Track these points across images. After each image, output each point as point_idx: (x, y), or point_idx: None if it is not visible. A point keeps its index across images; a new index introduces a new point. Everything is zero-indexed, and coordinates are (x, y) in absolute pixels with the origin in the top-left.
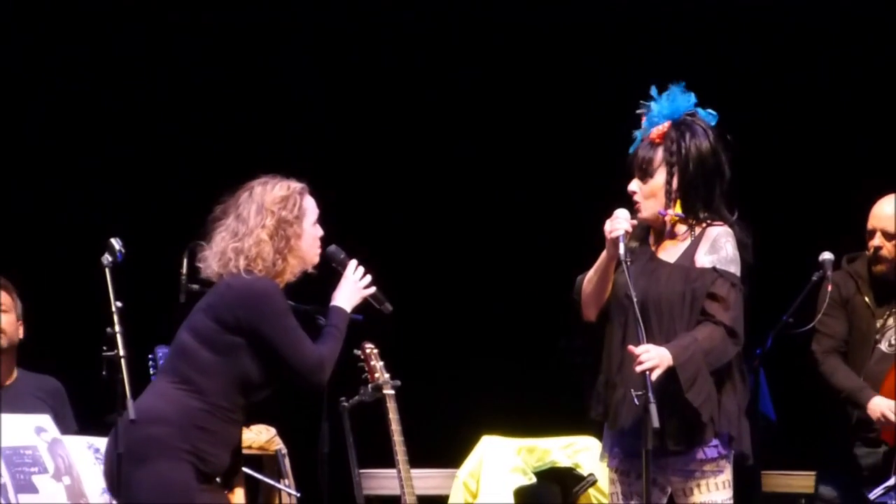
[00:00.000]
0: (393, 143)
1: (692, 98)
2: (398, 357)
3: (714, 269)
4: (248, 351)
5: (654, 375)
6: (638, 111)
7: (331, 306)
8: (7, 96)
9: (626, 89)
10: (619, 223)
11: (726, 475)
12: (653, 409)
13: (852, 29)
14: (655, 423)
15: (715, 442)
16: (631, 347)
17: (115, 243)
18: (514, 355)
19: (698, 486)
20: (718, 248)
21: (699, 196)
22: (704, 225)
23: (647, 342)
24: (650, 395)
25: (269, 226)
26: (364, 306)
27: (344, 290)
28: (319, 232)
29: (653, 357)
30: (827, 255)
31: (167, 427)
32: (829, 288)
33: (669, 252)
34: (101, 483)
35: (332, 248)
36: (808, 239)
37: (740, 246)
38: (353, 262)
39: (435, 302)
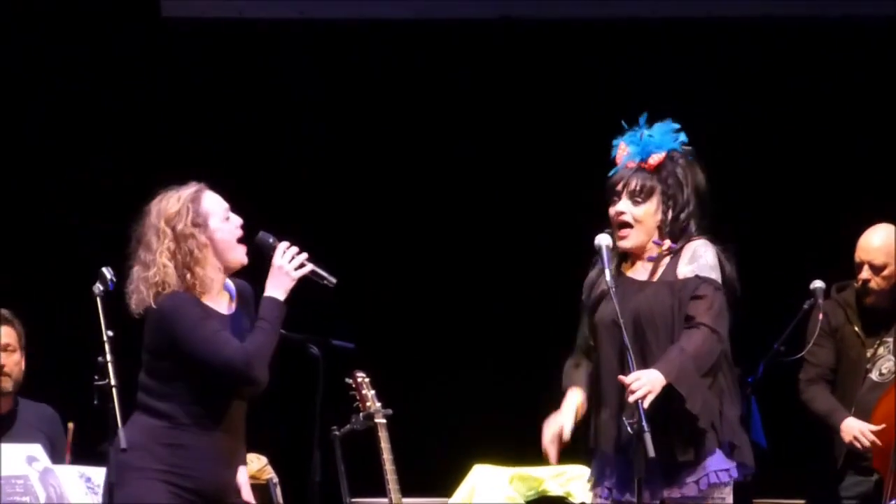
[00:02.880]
0: (393, 145)
1: (682, 136)
2: (389, 386)
3: (697, 276)
4: (182, 369)
5: (647, 402)
6: (620, 139)
7: (262, 297)
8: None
9: (626, 89)
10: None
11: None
12: (647, 437)
13: (844, 47)
14: (651, 452)
15: (722, 460)
16: (621, 378)
17: (107, 272)
18: (506, 384)
19: None
20: (698, 256)
21: (689, 227)
22: (683, 243)
23: (648, 361)
24: (644, 423)
25: (168, 248)
26: (311, 284)
27: (273, 277)
28: (235, 223)
29: (644, 384)
30: (818, 284)
31: (138, 450)
32: (821, 316)
33: (649, 271)
34: None
35: (261, 235)
36: (800, 267)
37: (721, 257)
38: (282, 245)
39: (426, 330)
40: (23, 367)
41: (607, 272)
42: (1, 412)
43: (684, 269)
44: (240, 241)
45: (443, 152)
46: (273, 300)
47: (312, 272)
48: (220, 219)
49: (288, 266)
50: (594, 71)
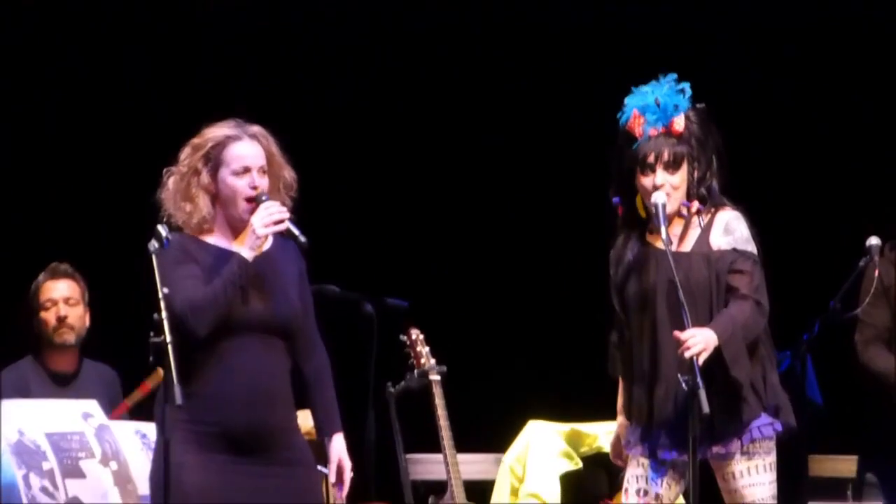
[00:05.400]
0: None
1: (688, 91)
2: (444, 343)
3: (734, 249)
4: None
5: (702, 359)
6: (631, 106)
7: None
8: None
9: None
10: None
11: (773, 457)
12: (702, 394)
13: None
14: (705, 408)
15: (765, 419)
16: (676, 333)
17: (162, 230)
18: (561, 340)
19: (748, 469)
20: (732, 229)
21: (713, 186)
22: (712, 211)
23: (682, 330)
24: (699, 380)
25: (179, 171)
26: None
27: (246, 234)
28: (247, 182)
29: (699, 341)
30: (874, 241)
31: (168, 403)
32: (877, 273)
33: (678, 240)
34: (147, 468)
35: (261, 195)
36: (856, 224)
37: (751, 229)
38: (265, 204)
39: (480, 287)
40: (86, 322)
41: (663, 230)
42: (65, 369)
43: (719, 241)
44: (249, 200)
45: (471, 141)
46: (236, 257)
47: (287, 230)
48: (232, 172)
49: (256, 223)
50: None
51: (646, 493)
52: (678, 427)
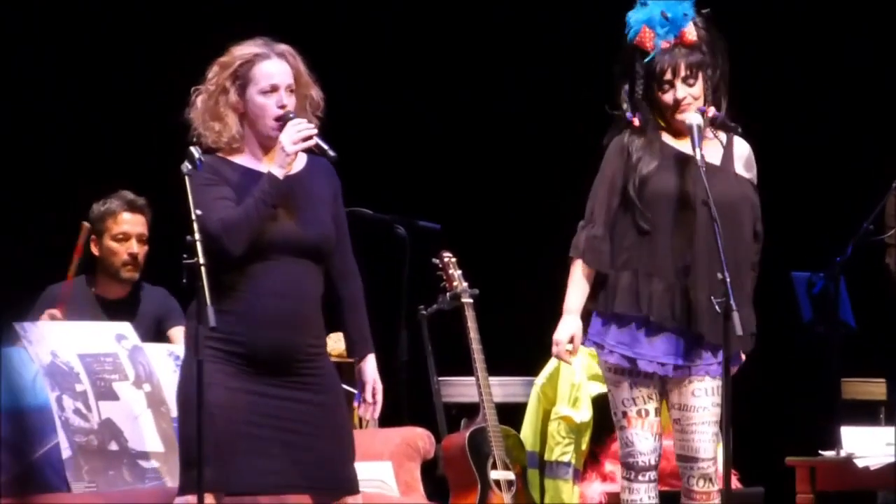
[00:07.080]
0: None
1: None
2: (476, 266)
3: (755, 186)
4: None
5: None
6: (638, 21)
7: None
8: None
9: None
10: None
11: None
12: (735, 316)
13: None
14: (739, 330)
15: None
16: None
17: (195, 151)
18: None
19: (716, 388)
20: (752, 165)
21: (721, 91)
22: (727, 132)
23: (714, 242)
24: (732, 303)
25: (207, 89)
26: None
27: (276, 153)
28: (276, 101)
29: None
30: None
31: (191, 321)
32: None
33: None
34: None
35: (289, 114)
36: (892, 146)
37: None
38: (292, 122)
39: (513, 210)
40: None
41: (698, 151)
42: (116, 296)
43: (743, 172)
44: (276, 119)
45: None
46: (267, 175)
47: (316, 146)
48: (260, 90)
49: (285, 141)
50: None
51: (647, 413)
52: (709, 340)
